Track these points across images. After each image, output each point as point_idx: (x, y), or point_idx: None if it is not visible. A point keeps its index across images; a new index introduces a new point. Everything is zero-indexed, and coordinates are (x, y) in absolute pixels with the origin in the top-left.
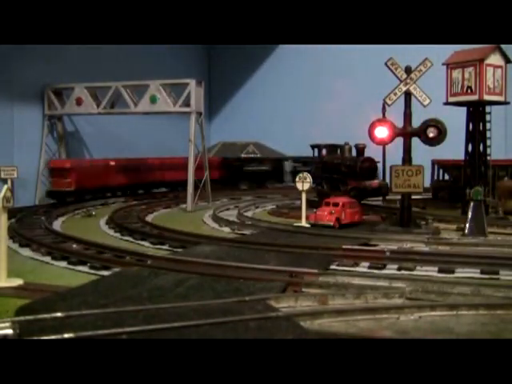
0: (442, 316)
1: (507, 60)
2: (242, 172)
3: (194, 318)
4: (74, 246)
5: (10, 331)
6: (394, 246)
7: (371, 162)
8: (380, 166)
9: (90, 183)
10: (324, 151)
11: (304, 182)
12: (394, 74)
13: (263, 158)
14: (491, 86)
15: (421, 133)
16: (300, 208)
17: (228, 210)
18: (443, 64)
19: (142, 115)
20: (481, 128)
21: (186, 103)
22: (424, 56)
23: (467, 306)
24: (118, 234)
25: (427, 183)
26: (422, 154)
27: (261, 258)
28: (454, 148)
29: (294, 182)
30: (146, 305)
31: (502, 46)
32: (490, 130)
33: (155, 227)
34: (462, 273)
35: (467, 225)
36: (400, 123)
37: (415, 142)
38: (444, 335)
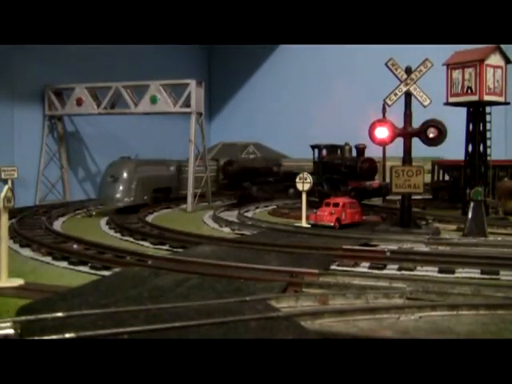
0: (442, 316)
1: (507, 60)
2: None
3: (195, 317)
4: (75, 246)
5: (11, 331)
6: (394, 247)
7: (371, 162)
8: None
9: None
10: (324, 152)
11: (304, 183)
12: (394, 74)
13: None
14: (491, 87)
15: (421, 133)
16: (300, 208)
17: (228, 210)
18: (443, 64)
19: (143, 115)
20: (481, 128)
21: (187, 103)
22: (424, 56)
23: (467, 306)
24: (118, 235)
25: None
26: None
27: (261, 258)
28: (453, 148)
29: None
30: (147, 305)
31: (502, 46)
32: (490, 130)
33: (155, 227)
34: (462, 273)
35: (467, 225)
36: (400, 123)
37: (415, 142)
38: (444, 335)
